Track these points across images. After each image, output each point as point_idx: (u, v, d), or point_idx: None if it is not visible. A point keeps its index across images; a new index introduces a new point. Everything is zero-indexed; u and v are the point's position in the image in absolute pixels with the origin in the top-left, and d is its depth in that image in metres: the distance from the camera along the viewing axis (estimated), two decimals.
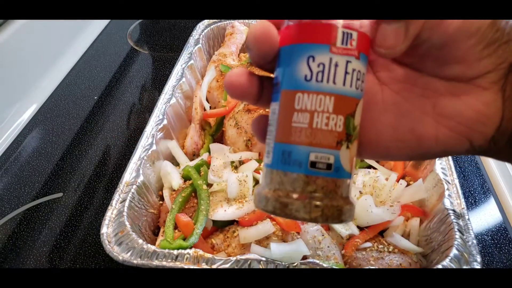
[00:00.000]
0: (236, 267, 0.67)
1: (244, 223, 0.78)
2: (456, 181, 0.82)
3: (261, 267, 0.67)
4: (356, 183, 0.87)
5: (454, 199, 0.79)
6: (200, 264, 0.68)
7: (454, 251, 0.70)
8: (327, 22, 0.36)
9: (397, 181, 0.89)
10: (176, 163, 0.95)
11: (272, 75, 0.39)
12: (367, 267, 0.73)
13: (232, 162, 0.91)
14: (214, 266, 0.68)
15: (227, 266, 0.68)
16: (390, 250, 0.77)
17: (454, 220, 0.75)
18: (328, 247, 0.76)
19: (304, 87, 0.35)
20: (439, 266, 0.68)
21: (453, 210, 0.76)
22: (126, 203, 0.77)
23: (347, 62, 0.35)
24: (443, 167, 0.85)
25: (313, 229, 0.78)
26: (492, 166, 1.06)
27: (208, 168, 0.89)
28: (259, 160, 0.93)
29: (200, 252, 0.69)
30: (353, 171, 0.36)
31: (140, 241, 0.71)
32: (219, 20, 1.35)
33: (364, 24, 0.38)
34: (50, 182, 1.02)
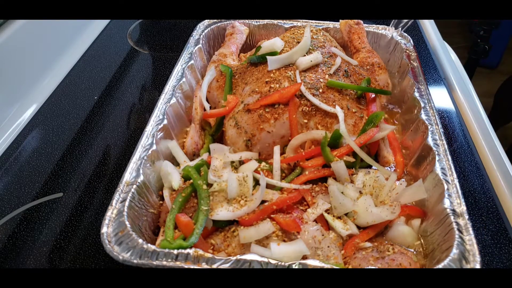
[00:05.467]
0: (236, 267, 0.67)
1: (244, 223, 0.78)
2: (456, 181, 0.82)
3: (261, 267, 0.67)
4: (356, 183, 0.87)
5: (454, 199, 0.79)
6: (200, 264, 0.68)
7: (454, 251, 0.70)
8: None
9: (397, 180, 0.89)
10: (176, 163, 0.95)
11: None
12: (367, 267, 0.73)
13: (232, 162, 0.91)
14: (214, 266, 0.68)
15: (227, 266, 0.68)
16: (390, 250, 0.76)
17: (454, 220, 0.75)
18: (328, 247, 0.76)
19: None
20: (439, 266, 0.68)
21: (453, 210, 0.76)
22: (126, 203, 0.77)
23: None
24: (443, 167, 0.85)
25: (313, 229, 0.78)
26: (492, 166, 1.06)
27: (208, 168, 0.89)
28: (259, 160, 0.93)
29: (200, 252, 0.69)
30: None
31: (140, 240, 0.71)
32: (219, 20, 1.35)
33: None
34: (50, 182, 1.02)
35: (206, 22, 1.34)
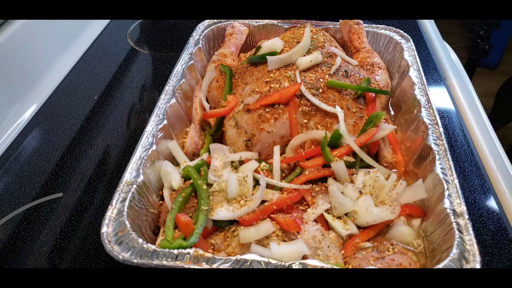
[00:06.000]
0: (236, 267, 0.67)
1: (244, 222, 0.78)
2: (456, 181, 0.82)
3: (261, 267, 0.67)
4: (356, 183, 0.87)
5: (454, 199, 0.79)
6: (200, 264, 0.68)
7: (454, 251, 0.70)
8: None
9: (397, 180, 0.89)
10: (176, 163, 0.95)
11: None
12: (367, 267, 0.73)
13: (232, 162, 0.91)
14: (214, 266, 0.68)
15: (227, 265, 0.68)
16: (390, 250, 0.76)
17: (454, 220, 0.75)
18: (328, 247, 0.76)
19: None
20: (439, 266, 0.68)
21: (453, 210, 0.76)
22: (126, 203, 0.77)
23: None
24: (443, 167, 0.85)
25: (313, 229, 0.78)
26: (492, 166, 1.06)
27: (208, 168, 0.89)
28: (259, 160, 0.93)
29: (200, 251, 0.69)
30: None
31: (140, 240, 0.71)
32: (219, 20, 1.35)
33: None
34: (50, 182, 1.02)
35: (206, 22, 1.34)
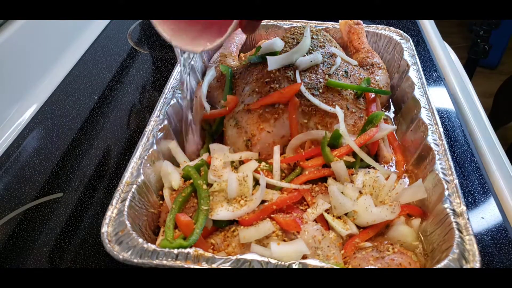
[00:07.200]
0: (236, 267, 0.67)
1: (244, 222, 0.79)
2: (456, 181, 0.82)
3: (261, 267, 0.67)
4: (356, 183, 0.87)
5: (454, 199, 0.79)
6: (200, 263, 0.68)
7: (454, 251, 0.70)
8: None
9: (397, 180, 0.89)
10: (176, 163, 0.95)
11: None
12: (367, 267, 0.73)
13: (232, 162, 0.91)
14: (214, 266, 0.68)
15: (227, 265, 0.68)
16: (390, 250, 0.76)
17: (454, 220, 0.75)
18: (328, 246, 0.76)
19: None
20: (439, 266, 0.68)
21: (453, 210, 0.76)
22: (127, 203, 0.77)
23: None
24: (443, 167, 0.85)
25: (313, 228, 0.78)
26: (492, 166, 1.06)
27: (208, 168, 0.89)
28: (259, 160, 0.93)
29: (200, 251, 0.69)
30: None
31: (141, 240, 0.71)
32: None
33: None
34: (50, 182, 1.02)
35: None
